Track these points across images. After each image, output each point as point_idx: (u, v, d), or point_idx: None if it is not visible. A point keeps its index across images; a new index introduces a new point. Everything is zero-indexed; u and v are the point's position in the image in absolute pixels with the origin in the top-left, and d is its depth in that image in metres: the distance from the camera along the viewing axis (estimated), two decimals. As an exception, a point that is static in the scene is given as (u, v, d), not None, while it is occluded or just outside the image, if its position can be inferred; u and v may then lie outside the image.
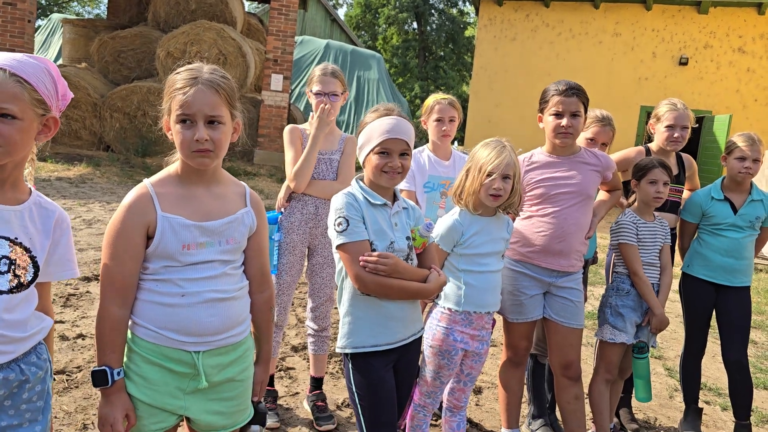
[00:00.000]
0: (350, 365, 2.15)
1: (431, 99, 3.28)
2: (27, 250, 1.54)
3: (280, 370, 3.78)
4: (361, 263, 2.05)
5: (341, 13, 46.44)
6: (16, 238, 1.52)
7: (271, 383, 3.29)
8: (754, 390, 4.06)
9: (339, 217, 2.10)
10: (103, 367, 1.64)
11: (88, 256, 5.80)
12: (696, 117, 13.89)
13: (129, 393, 1.68)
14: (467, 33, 41.14)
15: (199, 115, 1.65)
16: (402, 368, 2.22)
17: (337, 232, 2.10)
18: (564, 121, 2.74)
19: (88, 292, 4.86)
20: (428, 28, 41.23)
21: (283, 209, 3.11)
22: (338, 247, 2.11)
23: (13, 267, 1.51)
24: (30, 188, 1.61)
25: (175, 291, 1.68)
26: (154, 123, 13.42)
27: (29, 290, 1.56)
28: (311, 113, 3.17)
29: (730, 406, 3.51)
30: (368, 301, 2.12)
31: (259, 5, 22.51)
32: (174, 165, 1.77)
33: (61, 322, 4.19)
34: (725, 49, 14.44)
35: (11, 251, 1.51)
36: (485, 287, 2.51)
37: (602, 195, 3.12)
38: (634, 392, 3.25)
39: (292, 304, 4.70)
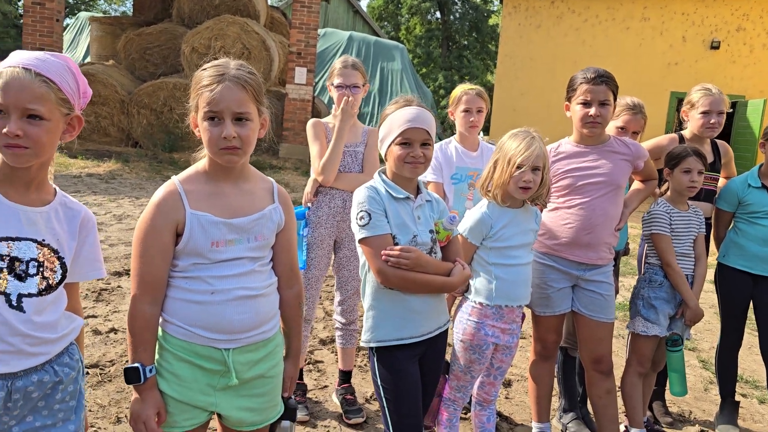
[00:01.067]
0: (375, 359, 2.14)
1: (458, 89, 3.24)
2: (54, 251, 1.54)
3: (308, 364, 3.78)
4: (383, 257, 2.03)
5: (363, 4, 46.32)
6: (44, 240, 1.53)
7: (300, 377, 3.30)
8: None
9: (361, 211, 2.08)
10: (136, 365, 1.64)
11: (118, 251, 5.88)
12: (730, 102, 13.49)
13: (160, 390, 1.69)
14: (491, 21, 40.72)
15: (226, 112, 1.64)
16: (428, 361, 2.20)
17: (359, 226, 2.08)
18: (592, 110, 2.68)
19: (119, 286, 4.92)
20: (451, 17, 40.91)
21: (310, 204, 3.11)
22: (360, 241, 2.09)
23: (41, 269, 1.51)
24: (55, 188, 1.61)
25: (205, 288, 1.68)
26: (180, 119, 13.54)
27: (58, 291, 1.57)
28: (333, 106, 3.16)
29: (764, 391, 3.43)
30: (391, 294, 2.11)
31: (282, -1, 22.56)
32: (201, 162, 1.76)
33: (94, 316, 4.26)
34: (759, 31, 14.05)
35: (39, 253, 1.51)
36: (516, 280, 2.47)
37: (637, 185, 3.04)
38: (668, 386, 3.18)
39: (320, 298, 4.71)
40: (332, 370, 3.72)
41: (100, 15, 28.49)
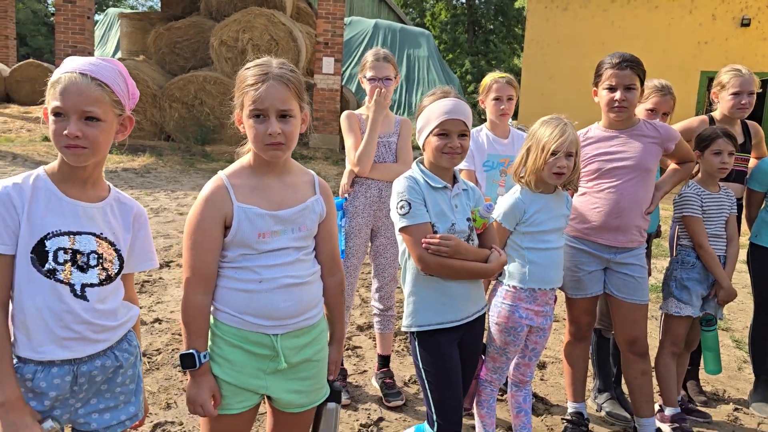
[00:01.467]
0: (416, 343, 2.23)
1: (489, 78, 3.29)
2: (112, 244, 1.66)
3: (347, 349, 3.90)
4: (423, 245, 2.11)
5: (388, -10, 46.00)
6: (102, 234, 1.64)
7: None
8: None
9: (401, 200, 2.17)
10: (191, 351, 1.76)
11: (158, 243, 6.07)
12: (761, 80, 13.18)
13: (214, 374, 1.80)
14: (517, 4, 40.19)
15: (271, 110, 1.73)
16: (467, 345, 2.28)
17: (400, 215, 2.17)
18: (617, 95, 2.71)
19: (161, 278, 5.10)
20: (476, 1, 40.52)
21: (347, 195, 3.20)
22: (401, 229, 2.18)
23: (101, 261, 1.63)
24: (108, 185, 1.73)
25: (253, 278, 1.78)
26: (211, 111, 13.74)
27: (116, 282, 1.69)
28: (365, 99, 3.24)
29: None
30: (431, 281, 2.19)
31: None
32: (246, 157, 1.86)
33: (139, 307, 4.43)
34: (792, 5, 13.68)
35: (98, 246, 1.63)
36: (549, 264, 2.54)
37: (672, 167, 3.05)
38: (703, 365, 3.22)
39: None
40: (371, 355, 3.83)
41: (129, 11, 28.92)
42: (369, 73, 3.17)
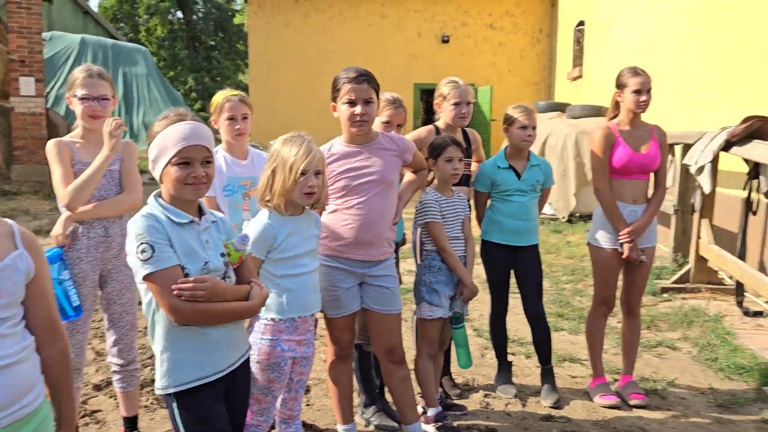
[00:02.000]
0: (175, 405, 1.91)
1: (219, 96, 3.05)
2: None
3: (84, 416, 3.32)
4: (175, 293, 1.81)
5: (94, 4, 42.55)
6: None
7: (75, 435, 2.87)
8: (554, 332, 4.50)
9: (141, 243, 1.83)
10: None
11: None
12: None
13: None
14: (236, 20, 40.18)
15: None
16: (235, 395, 2.04)
17: (142, 260, 1.83)
18: (357, 109, 2.71)
19: None
20: (194, 17, 39.53)
21: (65, 244, 2.70)
22: (145, 277, 1.84)
23: None
24: None
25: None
26: None
27: None
28: (75, 122, 2.79)
29: (534, 354, 3.84)
30: (188, 330, 1.90)
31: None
32: None
33: None
34: (479, 26, 15.78)
35: None
36: (306, 289, 2.41)
37: (408, 176, 3.14)
38: (457, 360, 3.38)
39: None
40: (113, 418, 3.31)
41: None
42: (80, 92, 2.72)
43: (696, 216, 5.66)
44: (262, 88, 15.14)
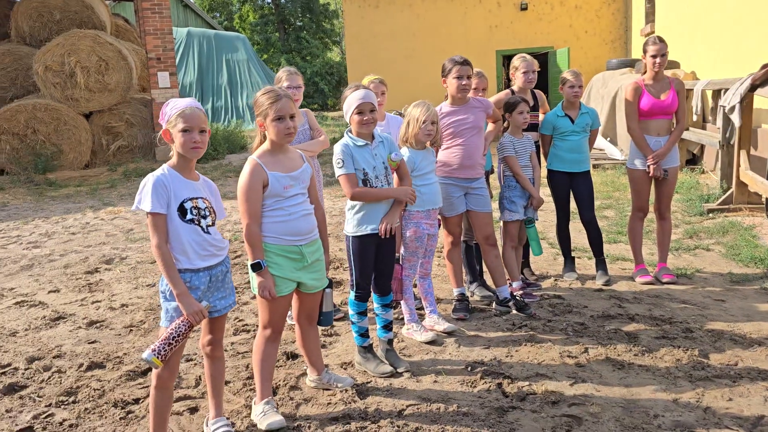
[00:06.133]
0: (351, 241, 3.60)
1: (366, 80, 4.67)
2: (209, 203, 2.83)
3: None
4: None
5: (190, -4, 45.37)
6: (206, 198, 2.81)
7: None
8: (609, 244, 5.92)
9: (338, 158, 3.49)
10: (258, 261, 2.96)
11: (72, 258, 6.74)
12: (541, 53, 15.93)
13: (270, 273, 3.02)
14: (321, 0, 41.89)
15: (287, 115, 2.98)
16: (383, 245, 3.64)
17: (338, 167, 3.49)
18: (464, 81, 4.25)
19: (101, 279, 5.90)
20: (283, 0, 41.58)
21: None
22: (339, 177, 3.50)
23: (210, 212, 2.80)
24: (196, 172, 2.88)
25: (284, 213, 3.02)
26: (47, 138, 13.63)
27: (215, 225, 2.85)
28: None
29: (591, 254, 5.29)
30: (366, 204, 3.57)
31: (114, 2, 22.24)
32: (266, 144, 3.07)
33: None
34: (554, -10, 16.72)
35: (206, 205, 2.80)
36: (433, 192, 4.02)
37: (489, 126, 4.69)
38: (531, 251, 4.92)
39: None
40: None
41: None
42: (286, 83, 4.42)
43: (736, 148, 6.83)
44: (359, 67, 16.81)
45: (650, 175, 4.91)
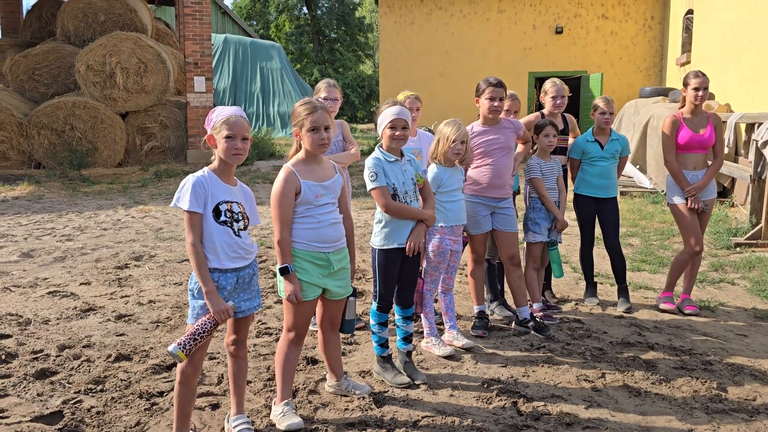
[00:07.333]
0: (376, 254, 3.66)
1: (401, 96, 4.77)
2: (244, 208, 2.94)
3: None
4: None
5: (228, 3, 46.34)
6: (240, 203, 2.92)
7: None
8: (632, 272, 5.92)
9: (371, 171, 3.58)
10: (286, 265, 3.06)
11: (103, 253, 6.92)
12: (574, 77, 15.98)
13: (297, 278, 3.12)
14: (357, 14, 42.38)
15: (322, 126, 3.09)
16: (408, 259, 3.70)
17: (371, 180, 3.58)
18: (496, 103, 4.33)
19: (130, 275, 6.06)
20: (319, 11, 42.14)
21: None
22: (371, 190, 3.58)
23: (243, 217, 2.91)
24: (234, 178, 3.00)
25: (314, 221, 3.12)
26: (83, 136, 13.98)
27: (247, 229, 2.96)
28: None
29: (613, 280, 5.30)
30: (394, 221, 3.62)
31: (156, 6, 22.79)
32: (301, 152, 3.18)
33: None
34: (591, 17, 16.76)
35: (240, 209, 2.91)
36: (459, 209, 4.10)
37: (519, 147, 4.75)
38: (552, 273, 4.95)
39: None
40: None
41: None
42: (323, 94, 4.55)
43: (767, 183, 6.79)
44: (391, 81, 17.00)
45: (689, 206, 4.89)
